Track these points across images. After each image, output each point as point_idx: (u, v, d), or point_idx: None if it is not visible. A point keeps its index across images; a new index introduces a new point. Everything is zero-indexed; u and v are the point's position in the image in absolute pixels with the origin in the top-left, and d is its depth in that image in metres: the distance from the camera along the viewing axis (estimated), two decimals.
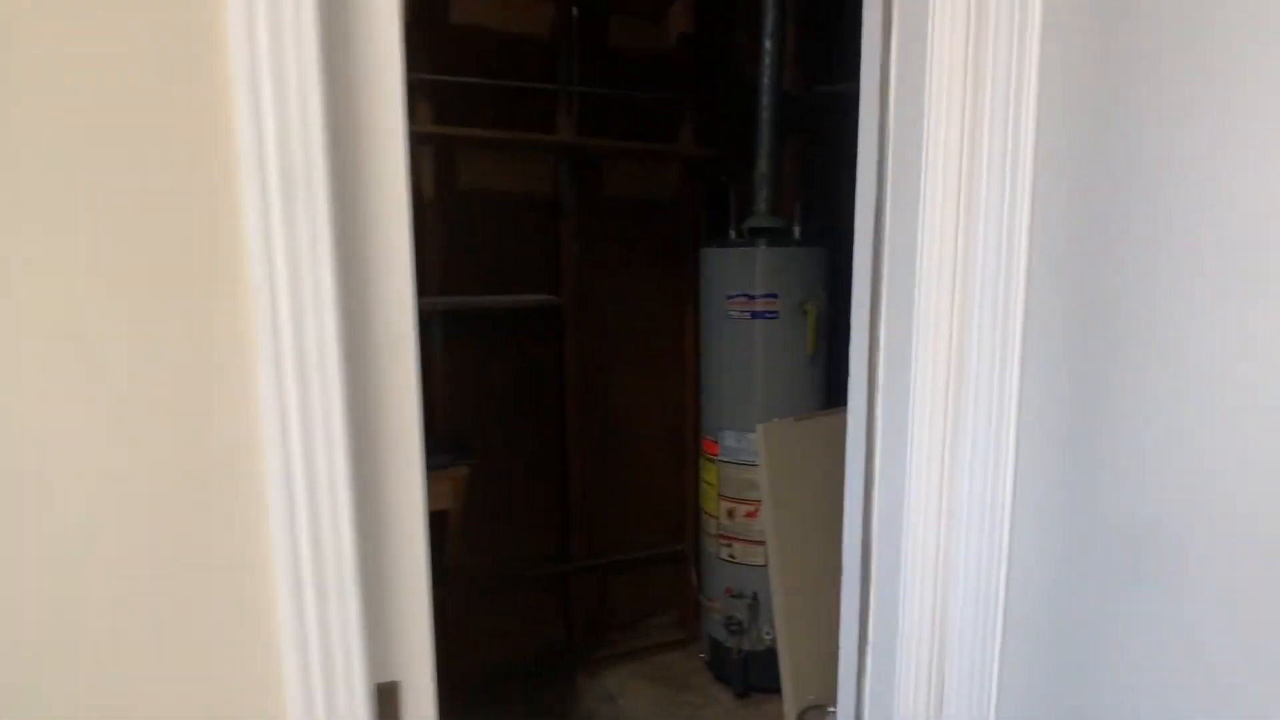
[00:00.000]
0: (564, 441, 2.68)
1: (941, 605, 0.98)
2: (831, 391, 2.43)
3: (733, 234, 2.46)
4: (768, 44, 2.36)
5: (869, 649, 1.13)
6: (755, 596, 2.38)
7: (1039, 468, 0.87)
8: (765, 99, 2.39)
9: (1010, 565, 0.91)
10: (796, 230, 2.38)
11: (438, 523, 2.44)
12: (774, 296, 2.29)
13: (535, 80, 2.48)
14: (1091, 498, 0.82)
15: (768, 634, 2.36)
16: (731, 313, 2.34)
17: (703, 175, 2.67)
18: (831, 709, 1.23)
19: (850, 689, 1.14)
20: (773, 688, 2.26)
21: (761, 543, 2.37)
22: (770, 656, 2.32)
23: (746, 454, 2.37)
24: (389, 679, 0.72)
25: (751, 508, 2.38)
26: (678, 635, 2.89)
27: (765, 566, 2.35)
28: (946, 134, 0.90)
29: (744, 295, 2.31)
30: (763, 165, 2.42)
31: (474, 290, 2.49)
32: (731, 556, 2.44)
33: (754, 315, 2.31)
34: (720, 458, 2.43)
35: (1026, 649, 0.90)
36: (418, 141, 2.36)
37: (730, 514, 2.43)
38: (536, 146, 2.49)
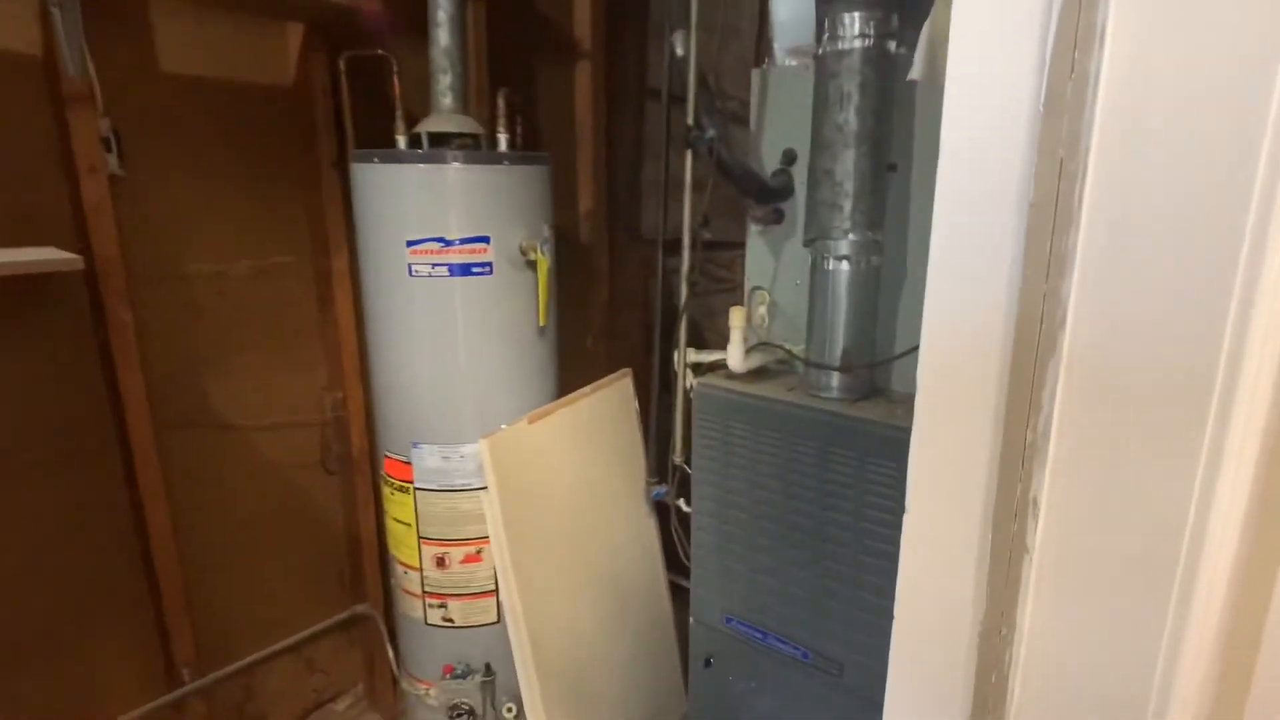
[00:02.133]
0: (136, 501, 1.58)
1: None
2: (563, 374, 1.78)
3: (402, 141, 1.59)
4: None
5: None
6: (489, 669, 1.68)
7: None
8: None
9: None
10: (503, 138, 1.61)
11: None
12: (483, 241, 1.51)
13: None
14: None
15: (509, 712, 1.71)
16: (417, 267, 1.50)
17: (343, 43, 1.70)
18: None
19: None
20: None
21: (492, 593, 1.67)
22: None
23: (460, 476, 1.61)
24: None
25: (472, 549, 1.65)
26: (372, 718, 2.07)
27: (500, 624, 1.67)
28: None
29: (436, 240, 1.49)
30: (443, 36, 1.58)
31: None
32: (448, 620, 1.69)
33: (453, 270, 1.51)
34: (418, 484, 1.63)
35: None
36: None
37: (440, 562, 1.66)
38: None
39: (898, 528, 1.19)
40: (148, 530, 1.59)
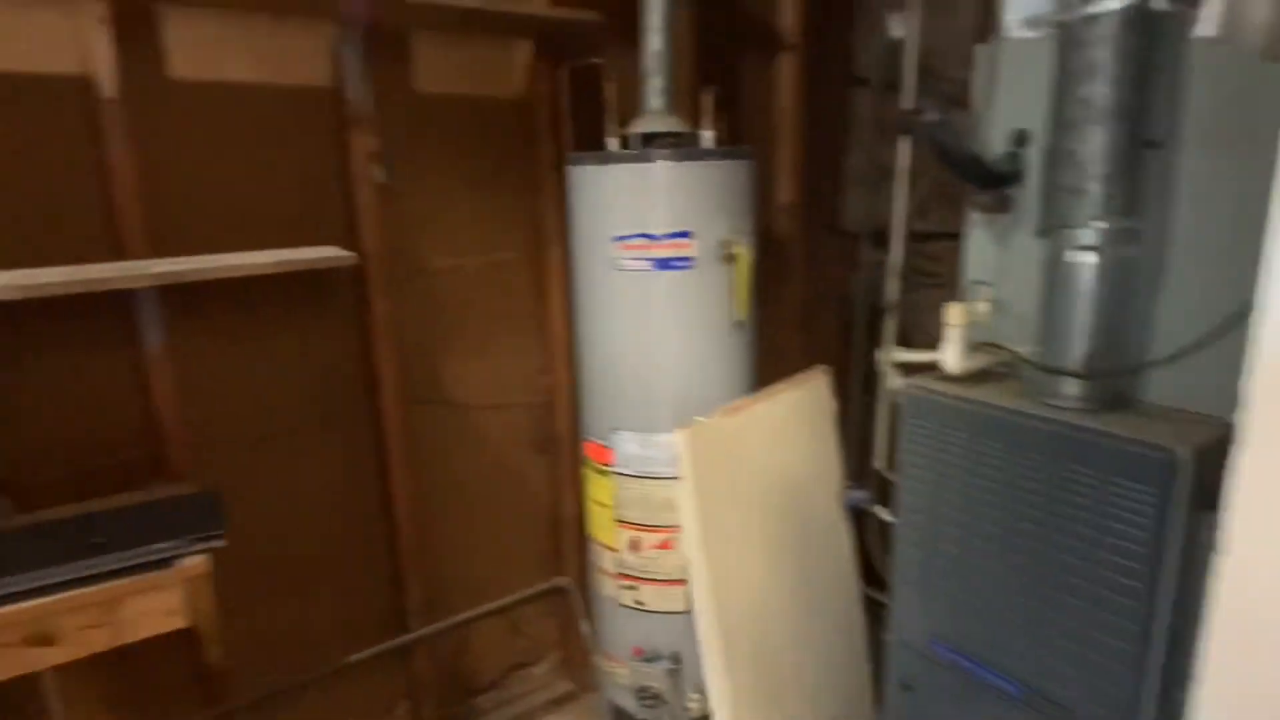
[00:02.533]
0: (383, 460, 1.82)
1: None
2: (758, 368, 1.76)
3: (611, 143, 1.66)
4: None
5: None
6: (677, 658, 1.72)
7: None
8: None
9: None
10: (707, 135, 1.63)
11: (174, 643, 1.49)
12: (685, 236, 1.54)
13: None
14: None
15: (694, 702, 1.73)
16: (623, 261, 1.57)
17: (565, 54, 1.82)
18: None
19: None
20: None
21: (682, 582, 1.70)
22: None
23: (656, 464, 1.66)
24: None
25: (665, 537, 1.69)
26: (566, 686, 2.21)
27: (688, 613, 1.69)
28: None
29: (642, 236, 1.54)
30: (654, 41, 1.63)
31: (206, 248, 1.53)
32: (639, 603, 1.75)
33: (657, 264, 1.55)
34: (616, 469, 1.70)
35: None
36: None
37: (634, 546, 1.73)
38: (298, 3, 1.52)
39: (1151, 562, 1.04)
40: (390, 490, 1.83)
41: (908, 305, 1.90)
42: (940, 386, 1.32)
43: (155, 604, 1.34)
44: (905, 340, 1.82)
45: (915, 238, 1.88)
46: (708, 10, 2.01)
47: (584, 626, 2.00)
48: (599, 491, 1.76)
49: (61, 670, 1.44)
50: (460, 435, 1.95)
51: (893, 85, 1.78)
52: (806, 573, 1.74)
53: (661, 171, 1.53)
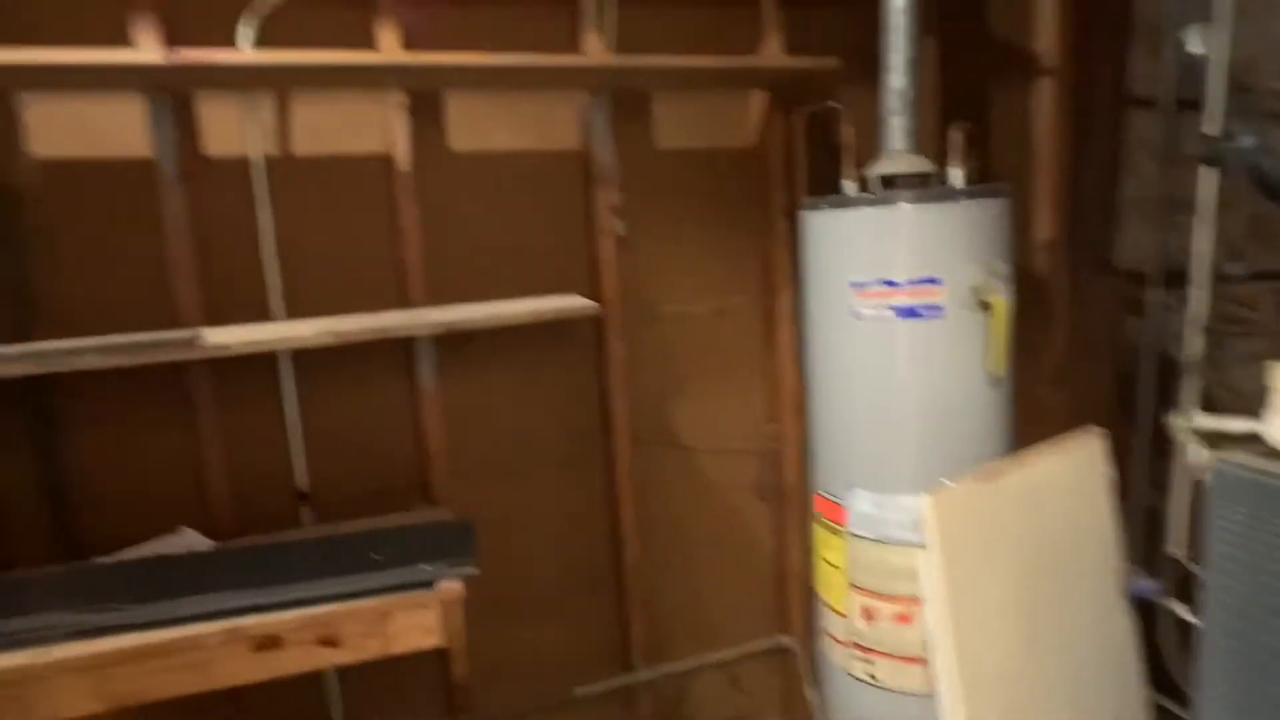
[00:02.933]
0: (613, 497, 1.89)
1: None
2: (1014, 429, 1.57)
3: (848, 186, 1.61)
4: None
5: None
6: None
7: None
8: None
9: None
10: (956, 173, 1.51)
11: (426, 659, 1.66)
12: (933, 283, 1.43)
13: None
14: None
15: None
16: (861, 309, 1.49)
17: (798, 101, 1.81)
18: None
19: None
20: None
21: (922, 660, 1.55)
22: None
23: (894, 527, 1.53)
24: None
25: (903, 609, 1.55)
26: None
27: (929, 697, 1.53)
28: None
29: (882, 282, 1.46)
30: (896, 79, 1.56)
31: (470, 296, 1.72)
32: (872, 677, 1.62)
33: (899, 313, 1.46)
34: (850, 529, 1.60)
35: None
36: (376, 78, 1.58)
37: (868, 615, 1.60)
38: (556, 76, 1.68)
39: None
40: (619, 529, 1.89)
41: (1209, 359, 1.60)
42: (1264, 464, 1.08)
43: (417, 621, 1.48)
44: (1208, 402, 1.52)
45: (1219, 278, 1.59)
46: (953, 41, 1.90)
47: (809, 693, 1.89)
48: (829, 550, 1.67)
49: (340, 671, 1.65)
50: (686, 478, 1.97)
51: (1189, 104, 1.53)
52: (1074, 668, 1.50)
53: (905, 214, 1.45)
